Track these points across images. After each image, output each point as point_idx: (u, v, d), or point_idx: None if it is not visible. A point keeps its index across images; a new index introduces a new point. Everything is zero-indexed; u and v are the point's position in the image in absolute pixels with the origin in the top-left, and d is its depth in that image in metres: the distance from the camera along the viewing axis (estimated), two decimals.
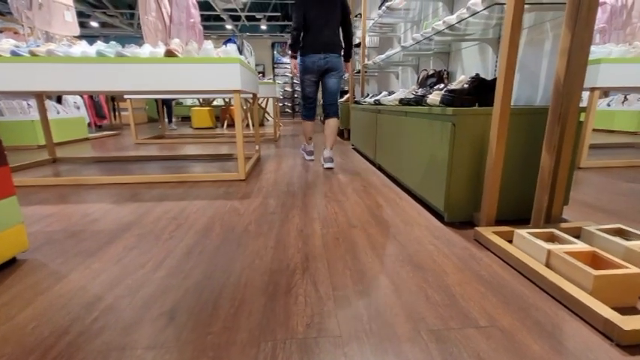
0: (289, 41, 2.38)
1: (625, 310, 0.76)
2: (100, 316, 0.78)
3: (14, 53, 1.80)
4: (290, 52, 2.42)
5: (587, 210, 1.47)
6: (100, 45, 1.89)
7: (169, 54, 1.87)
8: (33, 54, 1.80)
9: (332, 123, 2.47)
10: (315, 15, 2.30)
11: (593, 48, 2.29)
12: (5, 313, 0.79)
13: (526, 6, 1.15)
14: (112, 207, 1.59)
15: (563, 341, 0.68)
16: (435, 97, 1.39)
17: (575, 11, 1.04)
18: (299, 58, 2.41)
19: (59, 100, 4.14)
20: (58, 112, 3.90)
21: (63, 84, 1.83)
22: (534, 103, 1.49)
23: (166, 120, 5.77)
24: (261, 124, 6.89)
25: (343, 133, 4.60)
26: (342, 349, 0.66)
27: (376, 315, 0.77)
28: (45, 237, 1.24)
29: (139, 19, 8.53)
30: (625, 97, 4.71)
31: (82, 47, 1.88)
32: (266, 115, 7.29)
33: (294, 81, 10.48)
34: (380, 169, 2.45)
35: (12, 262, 1.04)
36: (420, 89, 1.87)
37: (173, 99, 5.67)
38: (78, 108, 4.38)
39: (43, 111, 2.65)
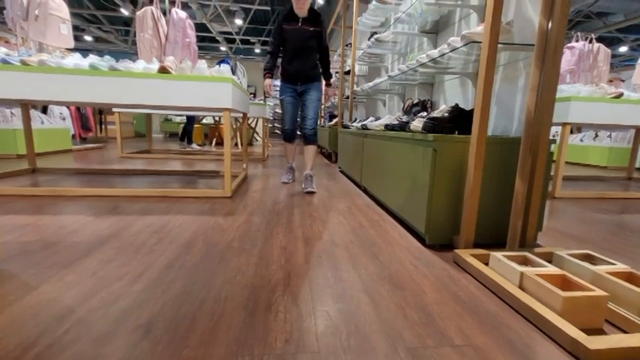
0: (265, 63, 2.45)
1: (592, 332, 0.79)
2: (72, 328, 0.75)
3: (4, 61, 1.80)
4: (264, 73, 2.46)
5: (559, 237, 1.54)
6: (93, 58, 1.91)
7: (163, 70, 1.91)
8: (24, 63, 1.81)
9: (310, 150, 2.47)
10: (293, 46, 2.36)
11: (564, 87, 2.47)
12: None
13: (500, 45, 1.25)
14: (92, 219, 1.56)
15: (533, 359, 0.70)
16: (417, 123, 1.46)
17: (543, 52, 1.15)
18: (279, 81, 2.49)
19: (44, 110, 4.08)
20: (43, 122, 3.84)
21: (53, 94, 1.83)
22: (510, 134, 1.58)
23: (185, 141, 5.51)
24: (250, 144, 6.94)
25: (331, 156, 4.68)
26: None
27: (355, 331, 0.78)
28: (18, 247, 1.20)
29: (133, 35, 8.64)
30: (596, 134, 5.03)
31: (74, 59, 1.90)
32: (255, 134, 7.35)
33: None
34: (365, 191, 2.50)
35: None
36: (405, 116, 1.96)
37: (193, 118, 5.48)
38: (64, 119, 4.33)
39: (27, 120, 2.61)
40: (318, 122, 7.01)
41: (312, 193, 2.29)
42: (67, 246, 1.23)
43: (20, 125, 3.52)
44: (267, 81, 2.43)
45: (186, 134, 5.52)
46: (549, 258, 1.13)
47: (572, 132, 5.37)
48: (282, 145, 7.21)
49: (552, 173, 2.45)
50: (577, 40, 2.72)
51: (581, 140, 5.15)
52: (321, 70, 2.51)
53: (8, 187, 1.98)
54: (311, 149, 2.47)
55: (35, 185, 2.26)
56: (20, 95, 1.82)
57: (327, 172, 3.53)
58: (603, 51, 2.73)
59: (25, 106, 2.56)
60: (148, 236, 1.35)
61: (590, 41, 2.70)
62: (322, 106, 6.89)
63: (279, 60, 2.47)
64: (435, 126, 1.36)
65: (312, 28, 2.33)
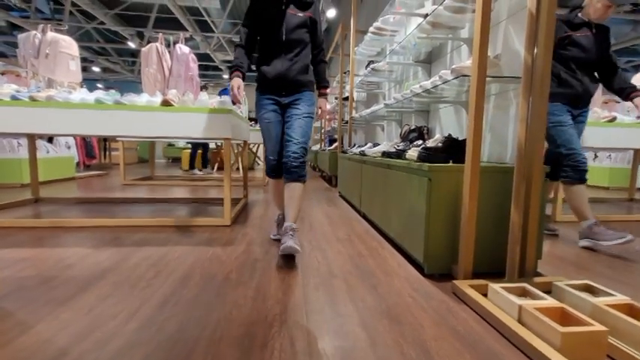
0: (233, 57, 1.65)
1: None
2: None
3: (14, 98, 1.87)
4: (231, 70, 1.62)
5: (560, 264, 1.52)
6: (99, 93, 1.99)
7: (166, 103, 1.98)
8: (33, 99, 1.88)
9: (295, 190, 1.58)
10: (274, 37, 1.58)
11: None
12: None
13: (488, 78, 1.30)
14: (90, 252, 1.56)
15: None
16: (413, 152, 1.49)
17: (529, 85, 1.19)
18: (256, 91, 1.70)
19: (50, 139, 4.18)
20: (48, 152, 3.92)
21: (60, 127, 1.89)
22: (505, 160, 1.61)
23: (195, 169, 5.62)
24: (251, 168, 7.01)
25: (331, 180, 4.71)
26: None
27: None
28: (16, 283, 1.20)
29: (139, 65, 8.96)
30: (595, 155, 5.05)
31: (81, 94, 1.97)
32: (257, 159, 7.44)
33: None
34: (364, 217, 2.50)
35: None
36: (402, 143, 2.00)
37: (197, 145, 5.65)
38: (69, 147, 4.42)
39: (32, 150, 2.67)
40: (320, 146, 7.05)
41: (292, 254, 1.49)
42: (65, 281, 1.23)
43: (26, 155, 3.60)
44: (235, 81, 1.58)
45: (192, 161, 5.66)
46: (548, 288, 1.12)
47: None
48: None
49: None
50: None
51: None
52: (314, 78, 1.73)
53: (10, 219, 2.00)
54: (296, 189, 1.57)
55: (37, 216, 2.28)
56: (29, 129, 1.88)
57: (327, 196, 3.54)
58: None
59: (32, 137, 2.63)
60: (146, 269, 1.35)
61: None
62: (320, 126, 6.94)
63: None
64: (429, 156, 1.38)
65: (301, 14, 1.60)
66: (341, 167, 3.58)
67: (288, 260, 1.50)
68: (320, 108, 1.80)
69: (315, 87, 1.74)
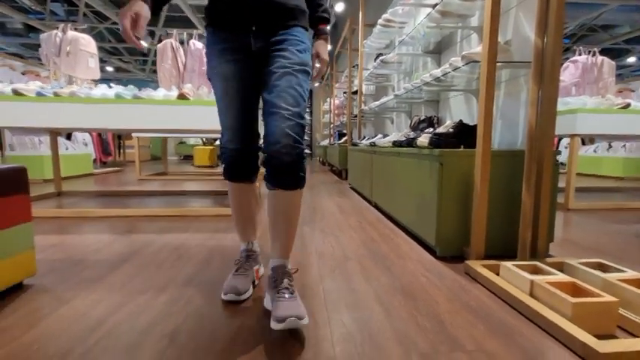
0: None
1: (604, 337, 0.79)
2: (102, 338, 0.81)
3: (39, 94, 1.96)
4: None
5: (573, 248, 1.53)
6: (118, 88, 2.06)
7: (182, 97, 2.04)
8: (57, 95, 1.97)
9: (290, 203, 0.93)
10: None
11: (570, 99, 2.50)
12: (11, 334, 0.82)
13: (498, 64, 1.31)
14: (114, 238, 1.64)
15: None
16: (424, 139, 1.52)
17: (540, 69, 1.20)
18: (205, 32, 1.02)
19: (69, 136, 4.32)
20: (67, 148, 4.06)
21: (82, 122, 1.98)
22: (516, 147, 1.62)
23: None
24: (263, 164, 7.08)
25: (341, 173, 4.74)
26: None
27: (369, 339, 0.81)
28: (49, 265, 1.28)
29: (151, 64, 9.10)
30: (609, 145, 4.97)
31: (101, 90, 2.05)
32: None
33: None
34: (376, 206, 2.53)
35: (19, 287, 1.07)
36: (412, 132, 2.02)
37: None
38: (86, 145, 4.55)
39: (55, 146, 2.78)
40: (329, 140, 7.06)
41: (296, 327, 0.80)
42: (94, 263, 1.30)
43: (47, 151, 3.74)
44: (130, 8, 0.83)
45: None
46: (560, 267, 1.14)
47: (584, 143, 5.31)
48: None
49: (564, 185, 2.44)
50: (580, 54, 2.77)
51: (595, 151, 5.09)
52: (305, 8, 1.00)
53: (37, 210, 2.10)
54: (290, 202, 0.93)
55: (61, 207, 2.39)
56: (54, 124, 1.97)
57: (338, 188, 3.58)
58: (607, 63, 2.76)
59: (54, 133, 2.74)
60: (168, 253, 1.42)
61: (593, 54, 2.75)
62: (329, 121, 6.88)
63: None
64: (440, 141, 1.41)
65: None
66: (351, 160, 3.61)
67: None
68: (318, 56, 1.08)
69: (306, 20, 1.01)
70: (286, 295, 0.84)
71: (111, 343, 0.78)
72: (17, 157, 3.60)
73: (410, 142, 1.77)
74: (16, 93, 1.96)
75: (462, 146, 1.44)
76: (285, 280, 0.89)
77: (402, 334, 0.83)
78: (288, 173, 0.88)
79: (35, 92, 1.96)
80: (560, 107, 2.27)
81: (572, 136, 2.35)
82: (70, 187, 3.45)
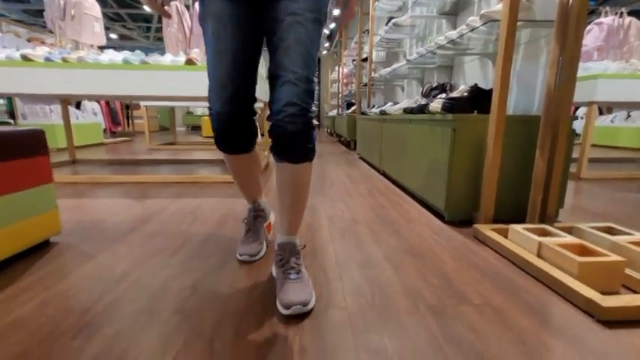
0: None
1: (608, 295, 0.82)
2: (129, 287, 0.86)
3: (48, 59, 1.95)
4: None
5: (582, 213, 1.54)
6: (125, 53, 2.04)
7: (189, 62, 2.01)
8: (65, 60, 1.95)
9: (300, 177, 0.85)
10: None
11: (590, 64, 2.39)
12: (43, 284, 0.88)
13: (519, 23, 1.25)
14: (131, 202, 1.69)
15: (549, 318, 0.75)
16: (436, 104, 1.49)
17: (564, 27, 1.14)
18: None
19: (78, 105, 4.33)
20: (77, 118, 4.09)
21: (91, 88, 1.97)
22: (531, 112, 1.58)
23: None
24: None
25: (350, 144, 4.71)
26: (348, 318, 0.74)
27: (379, 292, 0.85)
28: (72, 225, 1.34)
29: (154, 31, 8.86)
30: (628, 114, 4.79)
31: (109, 55, 2.03)
32: None
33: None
34: (384, 175, 2.54)
35: (46, 244, 1.13)
36: (424, 99, 1.98)
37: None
38: (95, 114, 4.57)
39: (66, 115, 2.80)
40: (337, 111, 6.93)
41: (303, 312, 0.75)
42: (114, 224, 1.36)
43: (58, 121, 3.77)
44: None
45: None
46: (569, 231, 1.15)
47: (601, 113, 5.13)
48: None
49: (577, 155, 2.39)
50: (606, 15, 2.61)
51: (612, 121, 4.92)
52: None
53: (54, 176, 2.16)
54: (299, 176, 0.85)
55: (76, 174, 2.45)
56: (62, 90, 1.98)
57: (346, 159, 3.58)
58: (635, 25, 2.60)
59: (65, 101, 2.75)
60: (184, 216, 1.47)
61: (621, 15, 2.58)
62: (338, 91, 6.70)
63: None
64: (453, 106, 1.38)
65: None
66: (360, 129, 3.57)
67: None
68: (344, 7, 0.91)
69: None
70: (292, 276, 0.81)
71: (136, 292, 0.84)
72: (29, 125, 3.65)
73: (421, 109, 1.74)
74: (25, 58, 1.95)
75: (476, 111, 1.41)
76: (292, 259, 0.85)
77: (411, 289, 0.86)
78: (294, 144, 0.77)
79: (43, 57, 1.95)
80: (580, 73, 2.18)
81: (590, 103, 2.27)
82: (83, 155, 3.51)
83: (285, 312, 0.74)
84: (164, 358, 0.61)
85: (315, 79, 0.79)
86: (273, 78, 0.78)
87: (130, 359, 0.60)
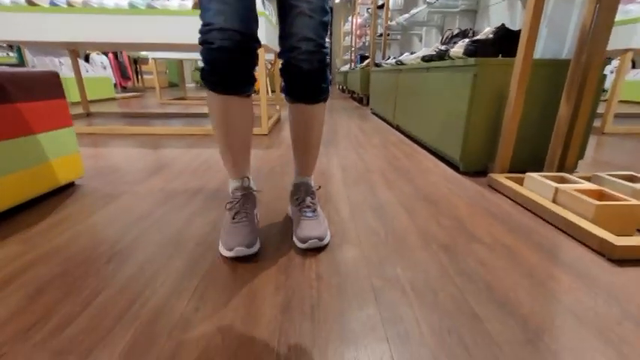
0: None
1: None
2: (154, 223, 0.91)
3: (53, 4, 1.88)
4: None
5: (603, 165, 1.50)
6: None
7: (196, 7, 1.91)
8: (70, 5, 1.89)
9: (315, 116, 0.83)
10: None
11: (631, 7, 2.18)
12: (75, 219, 0.93)
13: None
14: (147, 151, 1.73)
15: (559, 256, 0.76)
16: (458, 48, 1.41)
17: None
18: None
19: (87, 59, 4.26)
20: (87, 71, 4.05)
21: (96, 34, 1.92)
22: (560, 56, 1.48)
23: None
24: (280, 91, 6.89)
25: (362, 100, 4.58)
26: (361, 253, 0.77)
27: (392, 232, 0.87)
28: (93, 170, 1.39)
29: None
30: None
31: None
32: None
33: None
34: (398, 129, 2.49)
35: (71, 186, 1.19)
36: (444, 46, 1.87)
37: None
38: (104, 68, 4.51)
39: (76, 66, 2.77)
40: (349, 66, 6.65)
41: (320, 246, 0.79)
42: (133, 170, 1.40)
43: (69, 73, 3.74)
44: None
45: None
46: (588, 180, 1.13)
47: (633, 66, 4.78)
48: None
49: (602, 111, 2.28)
50: None
51: None
52: None
53: None
54: (315, 115, 0.83)
55: (92, 125, 2.48)
56: (67, 37, 1.93)
57: (359, 113, 3.50)
58: None
59: (74, 52, 2.70)
60: (199, 164, 1.50)
61: None
62: (351, 44, 6.36)
63: None
64: (477, 49, 1.30)
65: None
66: (374, 82, 3.44)
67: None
68: None
69: None
70: (308, 214, 0.83)
71: (161, 227, 0.88)
72: None
73: (441, 55, 1.65)
74: (30, 3, 1.89)
75: (500, 55, 1.33)
76: (308, 198, 0.86)
77: (423, 230, 0.89)
78: (309, 85, 0.76)
79: (48, 2, 1.89)
80: (618, 16, 2.00)
81: (626, 51, 2.10)
82: (96, 109, 3.53)
83: (302, 246, 0.77)
84: (191, 281, 0.65)
85: (330, 8, 0.74)
86: (284, 8, 0.71)
87: (161, 280, 0.66)
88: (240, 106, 0.75)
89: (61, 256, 0.74)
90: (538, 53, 1.55)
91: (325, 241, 0.79)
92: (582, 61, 1.12)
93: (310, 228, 0.79)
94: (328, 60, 0.76)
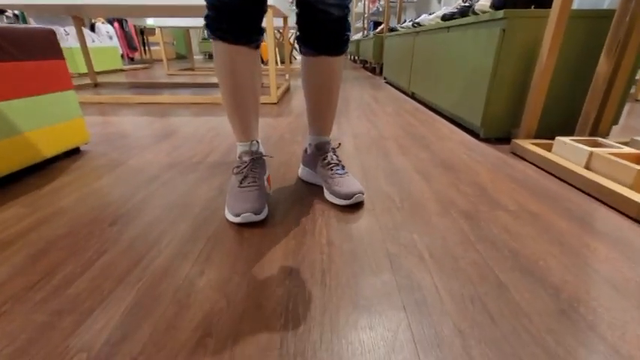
0: None
1: None
2: (161, 186, 0.88)
3: None
4: None
5: (637, 134, 1.38)
6: None
7: None
8: None
9: (334, 71, 0.77)
10: None
11: None
12: (81, 182, 0.91)
13: None
14: (154, 119, 1.69)
15: (593, 223, 0.70)
16: (485, 1, 1.27)
17: None
18: None
19: (92, 28, 4.17)
20: (93, 41, 3.96)
21: None
22: (601, 6, 1.33)
23: None
24: (290, 62, 6.67)
25: (375, 69, 4.38)
26: (376, 218, 0.72)
27: (408, 198, 0.82)
28: (102, 137, 1.36)
29: None
30: None
31: None
32: (295, 52, 7.01)
33: None
34: (413, 97, 2.37)
35: (76, 152, 1.16)
36: (468, 1, 1.71)
37: None
38: (110, 38, 4.41)
39: (81, 35, 2.70)
40: (362, 34, 6.34)
41: (362, 200, 0.80)
42: (141, 136, 1.36)
43: (75, 43, 3.68)
44: None
45: None
46: (626, 144, 1.04)
47: None
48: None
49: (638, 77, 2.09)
50: None
51: None
52: None
53: (78, 97, 2.16)
54: (334, 70, 0.77)
55: (100, 95, 2.45)
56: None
57: (371, 83, 3.35)
58: None
59: (78, 20, 2.62)
60: (207, 131, 1.45)
61: None
62: (363, 11, 5.99)
63: None
64: (506, 0, 1.17)
65: None
66: (388, 49, 3.26)
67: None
68: None
69: None
70: (340, 171, 0.81)
71: (167, 191, 0.85)
72: None
73: (464, 12, 1.51)
74: None
75: (533, 6, 1.20)
76: (333, 156, 0.84)
77: (442, 196, 0.83)
78: (337, 32, 0.71)
79: None
80: None
81: None
82: (104, 79, 3.49)
83: (345, 202, 0.76)
84: (196, 244, 0.63)
85: None
86: None
87: (165, 242, 0.63)
88: (249, 57, 0.70)
89: (65, 217, 0.72)
90: (576, 3, 1.39)
91: (364, 196, 0.80)
92: (629, 9, 0.99)
93: (350, 184, 0.78)
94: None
